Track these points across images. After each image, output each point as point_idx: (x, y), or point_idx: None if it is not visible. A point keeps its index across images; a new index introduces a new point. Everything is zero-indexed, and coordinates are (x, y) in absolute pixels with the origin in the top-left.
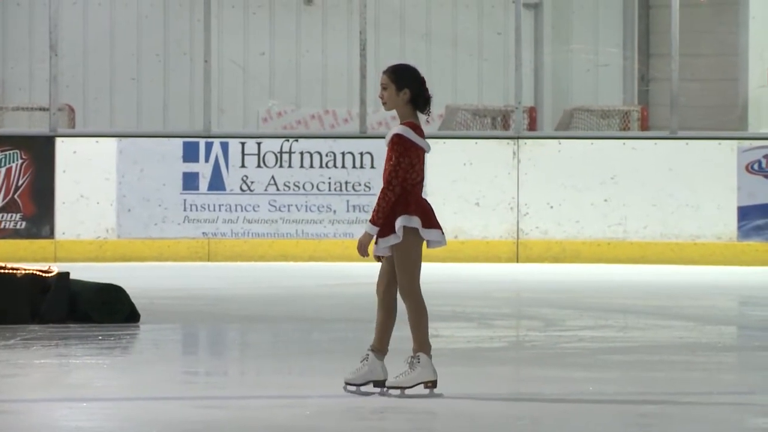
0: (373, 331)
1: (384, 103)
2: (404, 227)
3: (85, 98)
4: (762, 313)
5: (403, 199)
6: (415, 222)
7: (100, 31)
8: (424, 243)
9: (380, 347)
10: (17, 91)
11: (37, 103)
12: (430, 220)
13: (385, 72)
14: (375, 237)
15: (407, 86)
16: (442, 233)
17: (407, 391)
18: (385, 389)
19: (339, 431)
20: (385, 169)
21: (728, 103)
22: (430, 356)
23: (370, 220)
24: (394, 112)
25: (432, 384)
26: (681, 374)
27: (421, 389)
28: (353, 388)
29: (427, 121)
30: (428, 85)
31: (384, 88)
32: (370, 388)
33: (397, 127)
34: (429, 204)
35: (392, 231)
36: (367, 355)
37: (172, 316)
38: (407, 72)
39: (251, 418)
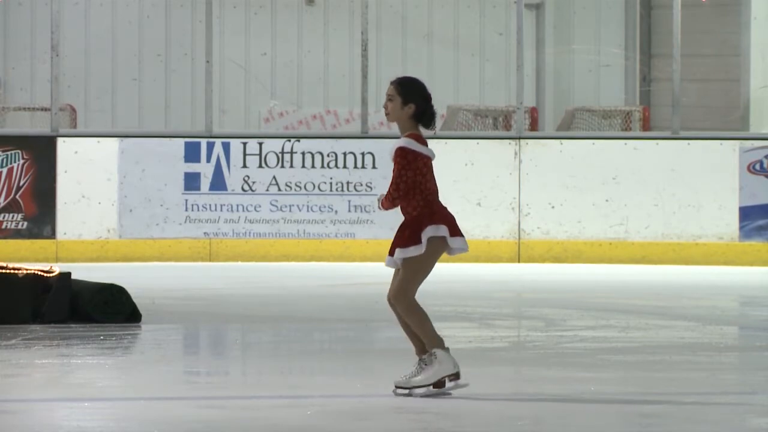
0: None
1: (387, 114)
2: (430, 238)
3: (86, 98)
4: (763, 313)
5: (426, 210)
6: (443, 231)
7: (101, 32)
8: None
9: (436, 343)
10: (19, 91)
11: (38, 103)
12: (455, 228)
13: (392, 83)
14: (392, 247)
15: (413, 101)
16: (465, 240)
17: (415, 391)
18: (403, 390)
19: (339, 431)
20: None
21: (730, 103)
22: (446, 349)
23: (382, 205)
24: None
25: (455, 376)
26: (682, 374)
27: (429, 389)
28: (422, 390)
29: (434, 133)
30: (430, 85)
31: (390, 99)
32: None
33: (400, 140)
34: (450, 212)
35: (415, 242)
36: (432, 353)
37: (173, 316)
38: (415, 86)
39: (252, 418)
